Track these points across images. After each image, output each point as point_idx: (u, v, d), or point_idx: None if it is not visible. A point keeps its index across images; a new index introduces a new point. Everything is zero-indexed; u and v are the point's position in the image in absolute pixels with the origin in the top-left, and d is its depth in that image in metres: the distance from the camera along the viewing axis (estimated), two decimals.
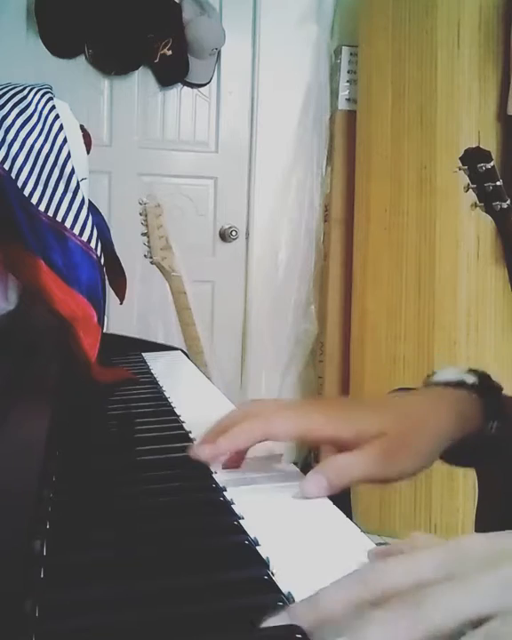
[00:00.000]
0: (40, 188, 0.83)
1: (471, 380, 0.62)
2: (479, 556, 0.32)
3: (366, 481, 0.52)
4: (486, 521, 0.69)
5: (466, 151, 1.37)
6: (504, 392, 0.64)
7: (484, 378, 0.63)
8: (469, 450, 0.59)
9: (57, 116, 0.88)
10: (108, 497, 0.50)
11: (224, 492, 0.50)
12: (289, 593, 0.35)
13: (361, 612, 0.30)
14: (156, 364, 1.06)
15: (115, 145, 2.39)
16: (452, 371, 0.63)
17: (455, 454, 0.59)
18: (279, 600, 0.34)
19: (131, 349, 1.15)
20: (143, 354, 1.13)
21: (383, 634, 0.28)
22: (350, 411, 0.55)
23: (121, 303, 1.11)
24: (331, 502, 0.49)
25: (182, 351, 1.22)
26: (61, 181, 0.85)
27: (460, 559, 0.32)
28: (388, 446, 0.52)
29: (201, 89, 2.45)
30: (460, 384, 0.61)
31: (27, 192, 0.81)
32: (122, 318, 1.91)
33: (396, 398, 0.60)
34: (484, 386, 0.62)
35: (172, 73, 2.37)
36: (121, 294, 1.09)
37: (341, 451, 0.53)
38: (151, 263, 1.85)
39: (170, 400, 0.80)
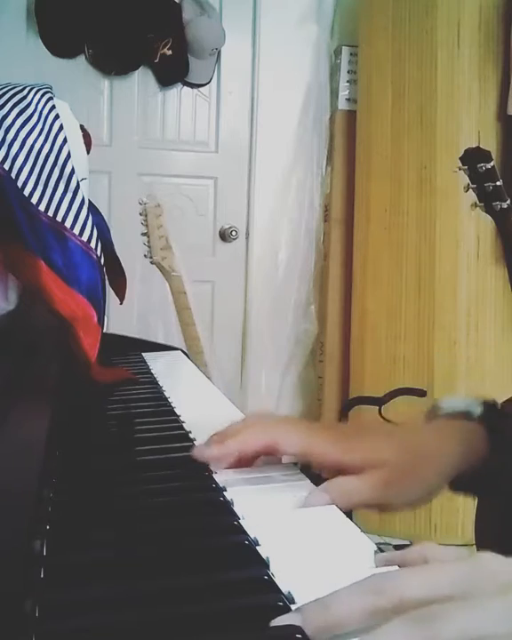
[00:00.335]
0: (40, 187, 0.83)
1: (477, 411, 0.62)
2: (497, 577, 0.32)
3: (367, 507, 0.53)
4: (486, 522, 0.69)
5: (466, 151, 1.37)
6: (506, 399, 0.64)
7: (489, 407, 0.63)
8: (473, 480, 0.60)
9: (57, 116, 0.88)
10: (108, 497, 0.50)
11: (224, 492, 0.50)
12: (289, 593, 0.35)
13: (373, 621, 0.30)
14: (156, 363, 1.06)
15: (115, 145, 2.39)
16: (458, 400, 0.64)
17: (460, 483, 0.60)
18: (279, 600, 0.34)
19: (131, 349, 1.15)
20: (143, 354, 1.13)
21: None
22: (356, 437, 0.56)
23: (121, 303, 1.10)
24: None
25: (182, 351, 1.22)
26: (61, 181, 0.85)
27: (477, 578, 0.32)
28: (392, 475, 0.53)
29: (201, 89, 2.45)
30: (464, 414, 0.62)
31: (27, 192, 0.81)
32: (122, 318, 1.91)
33: (401, 429, 0.61)
34: (490, 417, 0.62)
35: (172, 73, 2.37)
36: (121, 294, 1.09)
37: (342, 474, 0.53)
38: (151, 263, 1.85)
39: (170, 400, 0.80)
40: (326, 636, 0.31)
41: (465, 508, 1.96)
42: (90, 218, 0.86)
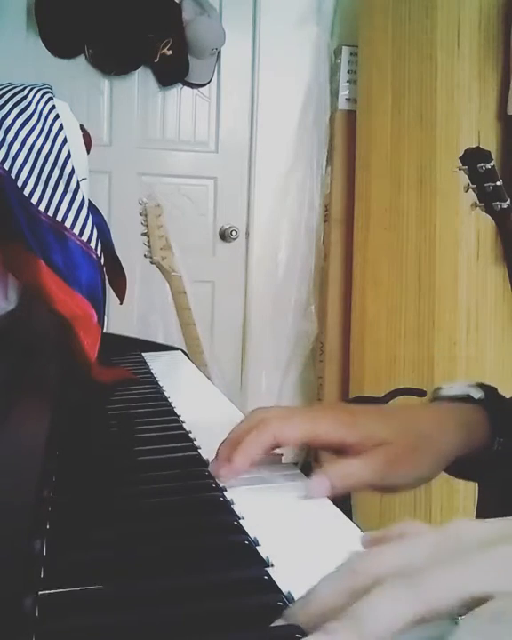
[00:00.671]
0: (40, 187, 0.83)
1: (478, 394, 0.62)
2: (475, 538, 0.30)
3: (368, 488, 0.53)
4: (488, 502, 0.69)
5: (466, 151, 1.37)
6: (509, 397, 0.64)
7: (490, 392, 0.63)
8: (474, 464, 0.60)
9: (57, 116, 0.88)
10: (108, 497, 0.50)
11: (224, 492, 0.50)
12: (289, 593, 0.35)
13: (354, 600, 0.28)
14: (156, 363, 1.06)
15: (115, 145, 2.39)
16: (459, 385, 0.64)
17: (459, 468, 0.60)
18: (279, 600, 0.34)
19: (131, 349, 1.15)
20: (143, 354, 1.13)
21: (386, 610, 0.27)
22: (357, 417, 0.56)
23: (121, 303, 1.11)
24: (331, 502, 0.50)
25: (182, 351, 1.22)
26: (61, 181, 0.85)
27: (454, 543, 0.30)
28: (392, 455, 0.53)
29: (201, 89, 2.45)
30: (466, 399, 0.62)
31: (27, 192, 0.81)
32: (122, 318, 1.91)
33: (403, 409, 0.61)
34: (491, 401, 0.62)
35: (172, 73, 2.37)
36: (121, 294, 1.09)
37: (342, 455, 0.53)
38: (151, 263, 1.85)
39: (170, 400, 0.81)
40: (315, 626, 0.29)
41: (465, 504, 1.96)
42: (90, 218, 0.86)
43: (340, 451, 0.54)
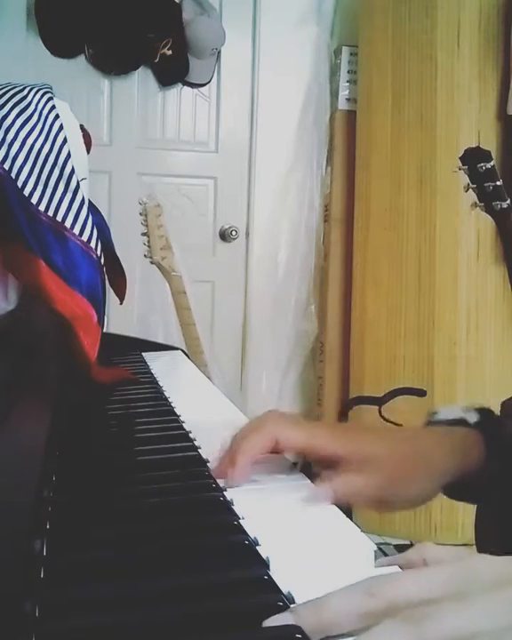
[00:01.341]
0: (40, 187, 0.83)
1: (473, 419, 0.62)
2: (489, 577, 0.32)
3: (368, 503, 0.55)
4: (486, 523, 0.69)
5: (466, 151, 1.37)
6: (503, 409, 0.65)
7: (486, 415, 0.63)
8: (469, 487, 0.61)
9: (57, 116, 0.88)
10: (108, 497, 0.50)
11: (224, 492, 0.50)
12: (289, 593, 0.35)
13: (366, 623, 0.30)
14: (156, 363, 1.06)
15: (115, 145, 2.39)
16: (454, 409, 0.64)
17: (456, 490, 0.61)
18: (279, 600, 0.34)
19: (131, 349, 1.15)
20: (143, 354, 1.13)
21: None
22: (356, 434, 0.57)
23: (121, 303, 1.10)
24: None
25: (182, 351, 1.22)
26: (61, 181, 0.85)
27: (469, 579, 0.32)
28: (394, 473, 0.54)
29: (201, 89, 2.45)
30: (461, 422, 0.62)
31: (27, 192, 0.81)
32: (122, 318, 1.91)
33: (400, 430, 0.62)
34: (487, 424, 0.62)
35: (172, 73, 2.37)
36: (121, 294, 1.09)
37: (333, 468, 0.54)
38: (151, 263, 1.85)
39: (170, 400, 0.81)
40: (320, 637, 0.31)
41: (465, 507, 1.95)
42: (90, 218, 0.86)
43: (332, 464, 0.54)
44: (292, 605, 0.34)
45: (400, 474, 0.54)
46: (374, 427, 0.63)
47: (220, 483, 0.52)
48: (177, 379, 1.00)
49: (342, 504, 0.51)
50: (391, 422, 1.91)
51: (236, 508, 0.47)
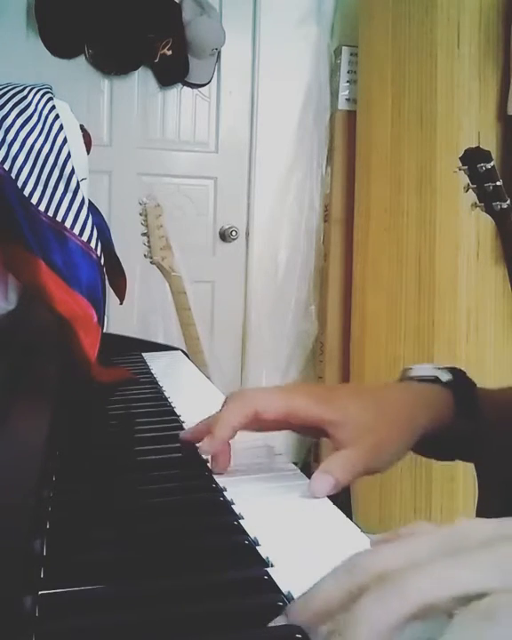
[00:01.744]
0: (40, 187, 0.83)
1: (445, 377, 0.63)
2: (479, 537, 0.30)
3: (364, 474, 0.54)
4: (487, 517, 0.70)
5: (466, 151, 1.37)
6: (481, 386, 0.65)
7: (458, 375, 0.64)
8: (441, 444, 0.62)
9: (57, 116, 0.88)
10: (108, 497, 0.50)
11: (224, 492, 0.50)
12: (289, 593, 0.35)
13: (355, 600, 0.28)
14: (156, 363, 1.06)
15: (115, 145, 2.39)
16: (428, 367, 0.65)
17: (427, 447, 0.61)
18: (279, 600, 0.34)
19: (131, 349, 1.15)
20: (143, 354, 1.13)
21: (375, 608, 0.27)
22: (332, 393, 0.57)
23: (121, 303, 1.11)
24: (330, 502, 0.50)
25: (182, 351, 1.22)
26: (61, 181, 0.85)
27: (457, 541, 0.30)
28: (377, 440, 0.54)
29: (201, 89, 2.45)
30: (434, 380, 0.63)
31: (27, 192, 0.81)
32: (122, 318, 1.91)
33: (375, 389, 0.62)
34: (458, 384, 0.63)
35: (172, 73, 2.37)
36: (121, 294, 1.09)
37: (320, 434, 0.55)
38: (151, 263, 1.85)
39: (170, 400, 0.81)
40: (319, 627, 0.30)
41: (465, 505, 1.96)
42: (90, 218, 0.86)
43: (318, 428, 0.54)
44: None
45: (384, 442, 0.55)
46: (349, 385, 0.63)
47: (220, 482, 0.52)
48: (177, 379, 1.00)
49: (344, 485, 0.51)
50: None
51: (235, 508, 0.47)
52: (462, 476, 1.92)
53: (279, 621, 0.31)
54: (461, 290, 2.03)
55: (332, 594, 0.30)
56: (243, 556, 0.40)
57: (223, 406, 0.56)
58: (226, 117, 2.48)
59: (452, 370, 0.64)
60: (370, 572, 0.29)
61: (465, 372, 0.65)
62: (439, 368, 0.64)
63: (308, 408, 0.54)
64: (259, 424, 0.55)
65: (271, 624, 0.31)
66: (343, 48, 2.44)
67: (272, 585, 0.36)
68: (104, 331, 0.88)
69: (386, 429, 0.55)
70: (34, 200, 0.81)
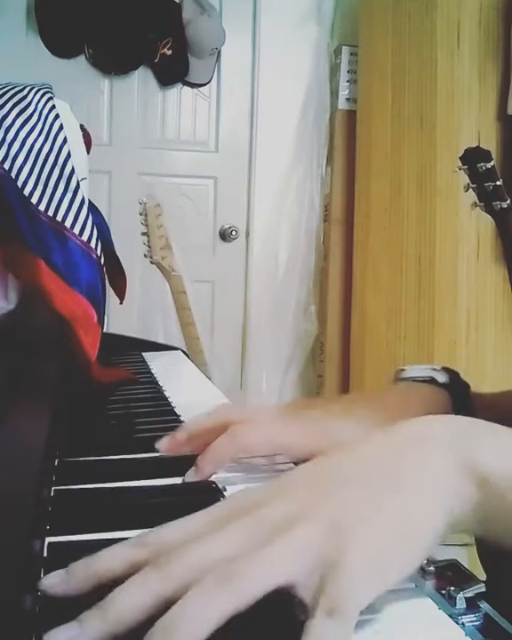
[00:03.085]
0: (40, 187, 0.83)
1: (442, 378, 0.62)
2: (246, 508, 0.34)
3: None
4: None
5: (466, 151, 1.36)
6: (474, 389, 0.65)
7: (454, 376, 0.63)
8: None
9: (57, 116, 0.88)
10: (108, 497, 0.50)
11: (224, 492, 0.50)
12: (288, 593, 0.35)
13: (134, 571, 0.31)
14: (156, 363, 1.06)
15: (115, 145, 2.39)
16: (423, 367, 0.64)
17: None
18: (278, 599, 0.34)
19: (131, 349, 1.15)
20: (143, 354, 1.13)
21: (130, 596, 0.29)
22: (321, 420, 0.56)
23: (121, 303, 1.11)
24: None
25: (182, 351, 1.22)
26: (61, 181, 0.85)
27: (227, 515, 0.34)
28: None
29: (201, 89, 2.45)
30: (430, 381, 0.62)
31: (27, 192, 0.81)
32: (122, 318, 1.91)
33: (367, 399, 0.60)
34: (454, 384, 0.62)
35: (172, 73, 2.37)
36: (121, 294, 1.09)
37: None
38: (151, 263, 1.85)
39: (170, 400, 0.81)
40: (92, 586, 0.32)
41: None
42: (90, 218, 0.86)
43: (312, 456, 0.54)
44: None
45: None
46: (340, 401, 0.61)
47: (220, 482, 0.52)
48: (177, 379, 1.00)
49: None
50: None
51: None
52: None
53: (57, 575, 0.33)
54: (461, 290, 2.02)
55: (116, 561, 0.32)
56: None
57: (207, 422, 0.56)
58: (226, 117, 2.48)
59: (447, 371, 0.63)
60: (152, 547, 0.33)
61: (459, 374, 0.64)
62: (434, 369, 0.63)
63: (296, 443, 0.54)
64: (248, 454, 0.56)
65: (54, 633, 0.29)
66: (343, 48, 2.44)
67: None
68: (104, 331, 0.88)
69: None
70: (34, 200, 0.81)
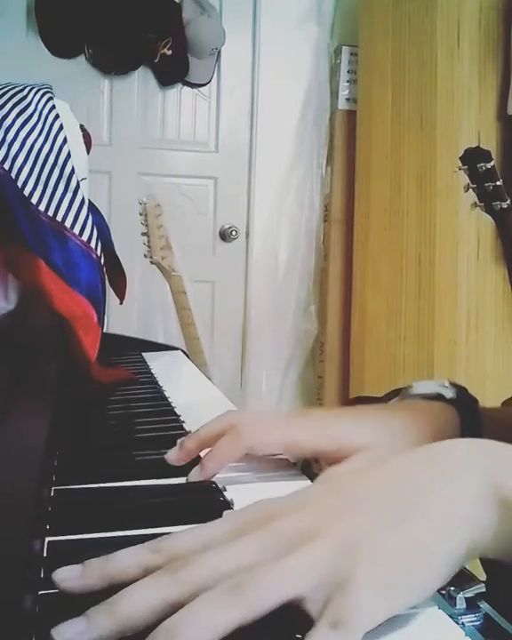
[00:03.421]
0: (40, 187, 0.83)
1: (449, 394, 0.62)
2: (261, 519, 0.34)
3: None
4: None
5: (466, 151, 1.36)
6: (489, 404, 0.64)
7: (461, 392, 0.63)
8: None
9: (57, 116, 0.88)
10: (108, 497, 0.50)
11: (224, 492, 0.50)
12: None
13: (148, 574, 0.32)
14: (156, 363, 1.06)
15: (115, 145, 2.39)
16: (431, 383, 0.64)
17: None
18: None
19: (131, 349, 1.16)
20: (143, 354, 1.13)
21: (140, 595, 0.30)
22: (331, 423, 0.56)
23: (121, 303, 1.11)
24: None
25: (182, 351, 1.22)
26: (61, 181, 0.85)
27: (241, 525, 0.34)
28: (374, 459, 0.52)
29: (201, 89, 2.45)
30: (437, 397, 0.62)
31: (27, 192, 0.81)
32: (122, 318, 1.91)
33: (376, 410, 0.60)
34: (462, 400, 0.62)
35: (172, 73, 2.37)
36: (121, 294, 1.09)
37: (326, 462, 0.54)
38: (151, 263, 1.85)
39: (170, 400, 0.81)
40: (105, 586, 0.32)
41: None
42: (90, 218, 0.86)
43: (318, 460, 0.54)
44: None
45: (391, 451, 0.53)
46: (348, 409, 0.60)
47: (220, 482, 0.52)
48: (177, 379, 1.00)
49: None
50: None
51: (235, 508, 0.47)
52: None
53: (72, 570, 0.33)
54: (461, 290, 2.02)
55: (131, 564, 0.33)
56: None
57: (213, 426, 0.55)
58: (226, 117, 2.48)
59: (455, 386, 0.63)
60: (167, 553, 0.33)
61: (467, 389, 0.63)
62: (442, 385, 0.63)
63: (302, 442, 0.54)
64: (254, 453, 0.55)
65: (62, 628, 0.29)
66: (343, 48, 2.44)
67: None
68: (104, 331, 0.88)
69: (385, 450, 0.54)
70: (34, 200, 0.81)
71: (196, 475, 0.53)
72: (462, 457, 0.37)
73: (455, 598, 0.35)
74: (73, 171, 0.86)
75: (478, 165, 1.33)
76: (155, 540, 0.34)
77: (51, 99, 0.89)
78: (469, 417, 0.60)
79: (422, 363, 2.08)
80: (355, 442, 0.53)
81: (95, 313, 0.84)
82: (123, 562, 0.33)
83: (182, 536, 0.34)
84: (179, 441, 0.56)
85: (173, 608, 0.29)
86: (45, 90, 0.90)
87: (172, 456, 0.55)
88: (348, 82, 2.44)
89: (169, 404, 0.78)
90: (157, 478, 0.54)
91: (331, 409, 0.59)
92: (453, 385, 0.63)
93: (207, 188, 2.49)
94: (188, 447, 0.55)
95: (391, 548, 0.31)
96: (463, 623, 0.33)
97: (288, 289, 2.51)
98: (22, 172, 0.82)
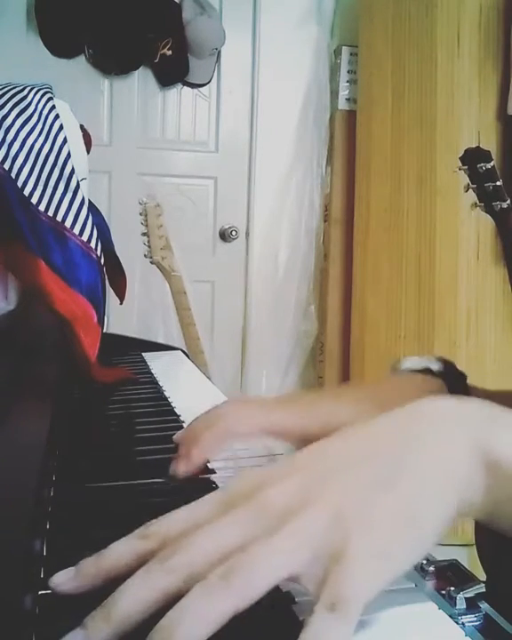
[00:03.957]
0: (40, 187, 0.83)
1: (436, 366, 0.61)
2: (246, 492, 0.33)
3: None
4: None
5: (466, 151, 1.36)
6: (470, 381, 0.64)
7: (449, 365, 0.63)
8: None
9: (57, 116, 0.88)
10: (108, 497, 0.50)
11: None
12: (289, 592, 0.35)
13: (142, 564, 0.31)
14: (156, 363, 1.06)
15: (115, 145, 2.39)
16: (419, 359, 0.63)
17: None
18: (279, 600, 0.34)
19: (131, 349, 1.15)
20: (143, 354, 1.13)
21: (132, 593, 0.29)
22: (313, 402, 0.55)
23: (121, 303, 1.11)
24: None
25: (182, 351, 1.22)
26: (61, 181, 0.85)
27: (230, 499, 0.33)
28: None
29: (201, 89, 2.45)
30: (425, 371, 0.61)
31: (27, 192, 0.81)
32: (122, 318, 1.91)
33: (363, 386, 0.60)
34: (450, 373, 0.62)
35: (172, 73, 2.37)
36: (121, 294, 1.09)
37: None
38: (151, 263, 1.85)
39: (170, 400, 0.81)
40: (101, 583, 0.32)
41: None
42: (90, 218, 0.86)
43: (305, 440, 0.53)
44: (294, 606, 0.34)
45: None
46: (331, 390, 0.60)
47: (220, 482, 0.52)
48: (177, 379, 1.00)
49: None
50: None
51: None
52: None
53: (66, 573, 0.32)
54: (461, 290, 2.02)
55: (124, 555, 0.32)
56: None
57: (199, 420, 0.55)
58: (226, 117, 2.48)
59: (443, 361, 0.63)
60: (156, 537, 0.32)
61: (455, 364, 0.63)
62: (430, 360, 0.63)
63: (285, 422, 0.52)
64: (239, 438, 0.54)
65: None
66: (343, 48, 2.44)
67: None
68: (104, 331, 0.88)
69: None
70: (34, 200, 0.82)
71: (183, 465, 0.51)
72: (449, 415, 0.36)
73: (455, 598, 0.35)
74: (73, 171, 0.86)
75: (478, 165, 1.33)
76: (143, 526, 0.34)
77: (51, 99, 0.90)
78: (457, 390, 0.60)
79: None
80: (339, 417, 0.52)
81: (95, 313, 0.84)
82: (115, 554, 0.33)
83: (170, 518, 0.34)
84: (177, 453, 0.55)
85: (169, 597, 0.29)
86: (45, 90, 0.90)
87: (179, 469, 0.52)
88: (347, 82, 2.44)
89: (169, 405, 0.78)
90: (158, 478, 0.54)
91: (319, 391, 0.59)
92: (441, 360, 0.63)
93: (207, 188, 2.49)
94: (181, 453, 0.54)
95: (383, 512, 0.31)
96: (463, 623, 0.33)
97: (288, 289, 2.51)
98: (22, 172, 0.82)
